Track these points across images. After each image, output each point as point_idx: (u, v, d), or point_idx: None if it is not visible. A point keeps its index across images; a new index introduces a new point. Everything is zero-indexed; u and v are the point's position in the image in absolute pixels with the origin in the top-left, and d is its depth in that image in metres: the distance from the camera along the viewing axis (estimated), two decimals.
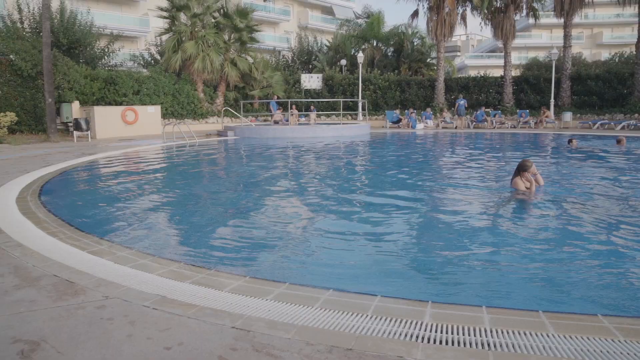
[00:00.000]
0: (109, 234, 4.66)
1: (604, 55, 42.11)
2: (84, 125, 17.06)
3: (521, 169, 6.52)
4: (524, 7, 27.01)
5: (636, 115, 22.57)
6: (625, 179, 8.14)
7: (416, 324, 2.47)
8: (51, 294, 2.84)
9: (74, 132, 16.98)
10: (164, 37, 24.04)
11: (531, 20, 29.00)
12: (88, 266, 3.40)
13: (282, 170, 10.14)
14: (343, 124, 21.56)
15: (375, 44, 32.85)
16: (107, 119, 18.78)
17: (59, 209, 5.76)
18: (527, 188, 6.46)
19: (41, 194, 6.73)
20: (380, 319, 2.52)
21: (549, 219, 5.39)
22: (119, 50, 25.57)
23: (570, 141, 13.03)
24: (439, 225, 5.28)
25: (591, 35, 52.12)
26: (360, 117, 26.08)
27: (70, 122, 18.27)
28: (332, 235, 4.76)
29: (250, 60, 25.06)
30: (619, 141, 13.05)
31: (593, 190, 7.02)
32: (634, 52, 24.62)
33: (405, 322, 2.48)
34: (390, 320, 2.50)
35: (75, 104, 19.03)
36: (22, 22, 20.33)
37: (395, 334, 2.35)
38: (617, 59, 31.95)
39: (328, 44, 34.47)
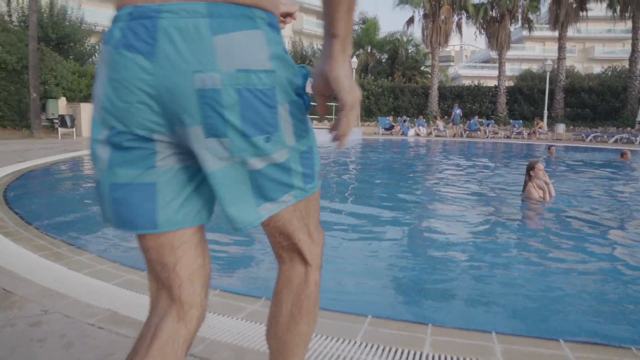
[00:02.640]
0: (72, 236, 4.20)
1: (596, 69, 42.30)
2: (69, 122, 16.51)
3: (529, 169, 6.13)
4: (520, 17, 26.94)
5: (628, 128, 22.47)
6: (626, 191, 7.83)
7: (414, 355, 2.05)
8: None
9: (59, 129, 16.42)
10: None
11: (525, 32, 28.96)
12: (34, 271, 2.94)
13: None
14: None
15: (369, 50, 32.62)
16: None
17: (23, 206, 5.28)
18: (540, 197, 6.03)
19: (7, 190, 6.24)
20: (371, 348, 2.09)
21: (551, 233, 5.01)
22: None
23: (549, 149, 13.07)
24: (440, 238, 4.88)
25: (583, 49, 52.45)
26: None
27: (56, 118, 17.68)
28: None
29: None
30: (623, 154, 12.71)
31: (597, 203, 6.68)
32: (627, 67, 24.60)
33: (402, 353, 2.06)
34: (383, 350, 2.07)
35: (62, 101, 18.45)
36: (10, 15, 19.77)
37: None
38: (609, 73, 31.99)
39: None
